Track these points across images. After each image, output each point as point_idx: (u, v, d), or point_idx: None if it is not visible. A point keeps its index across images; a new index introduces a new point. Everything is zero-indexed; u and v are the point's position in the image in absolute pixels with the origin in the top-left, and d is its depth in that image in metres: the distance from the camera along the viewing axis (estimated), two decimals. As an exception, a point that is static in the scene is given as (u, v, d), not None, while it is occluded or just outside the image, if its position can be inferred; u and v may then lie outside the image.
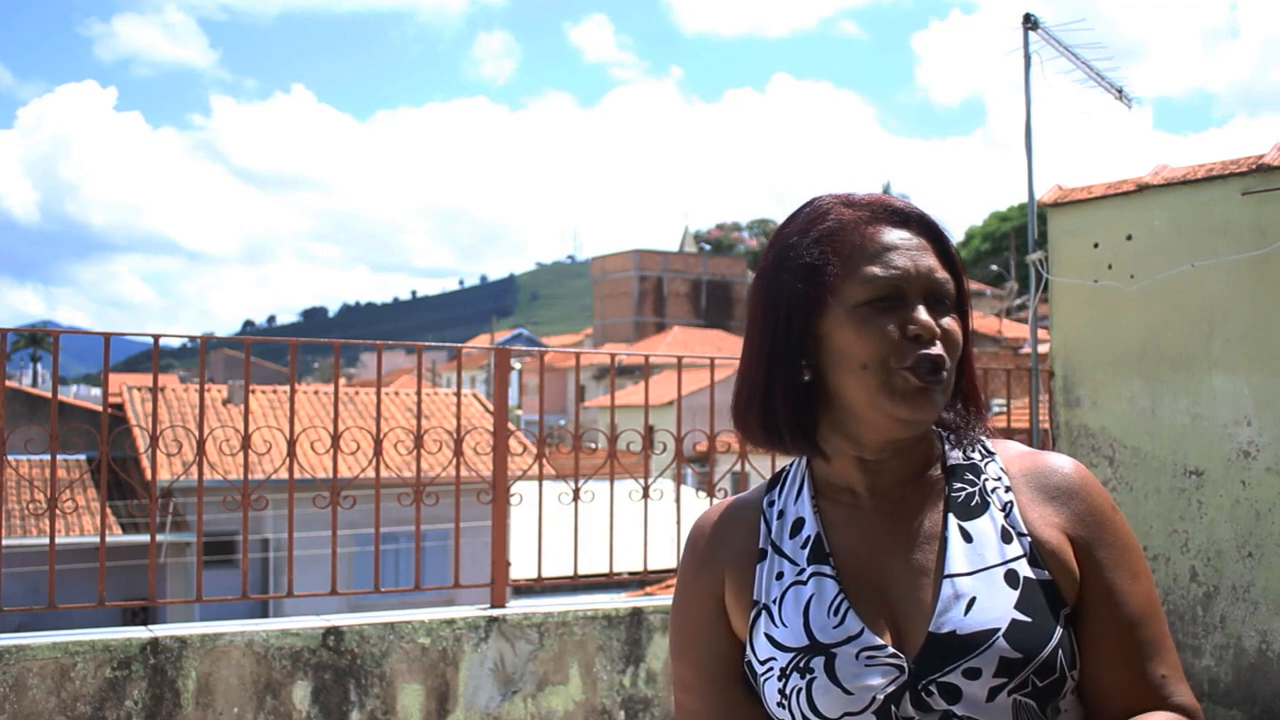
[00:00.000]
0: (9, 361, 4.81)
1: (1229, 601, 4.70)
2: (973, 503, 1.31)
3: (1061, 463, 1.35)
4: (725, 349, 45.92)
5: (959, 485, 1.32)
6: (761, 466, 3.94)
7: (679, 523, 4.52)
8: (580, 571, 4.67)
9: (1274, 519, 4.58)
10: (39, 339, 46.31)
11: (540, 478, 4.59)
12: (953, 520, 1.30)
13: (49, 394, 7.13)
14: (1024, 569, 1.26)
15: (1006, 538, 1.28)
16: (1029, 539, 1.28)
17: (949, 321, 1.29)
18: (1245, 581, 4.66)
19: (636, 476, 4.69)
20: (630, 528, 4.55)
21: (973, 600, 1.24)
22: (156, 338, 4.12)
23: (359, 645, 3.99)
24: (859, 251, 1.28)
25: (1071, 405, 5.32)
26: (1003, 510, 1.30)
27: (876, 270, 1.27)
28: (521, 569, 4.88)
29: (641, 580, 6.47)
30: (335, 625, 3.98)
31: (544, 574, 4.78)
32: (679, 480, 4.64)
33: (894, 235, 1.29)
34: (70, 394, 40.69)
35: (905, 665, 1.23)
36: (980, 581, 1.25)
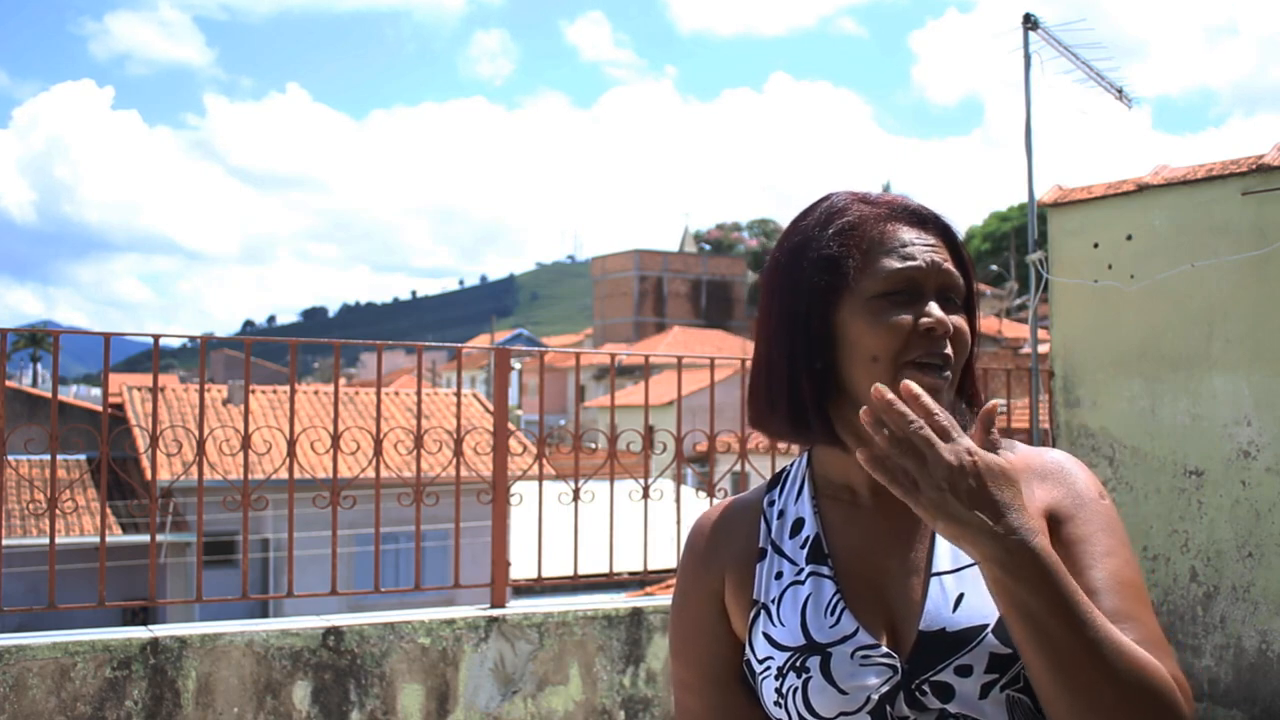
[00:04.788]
0: (9, 361, 4.81)
1: (1229, 601, 4.70)
2: None
3: (1055, 453, 1.36)
4: (725, 349, 45.90)
5: None
6: (761, 466, 3.94)
7: (679, 523, 4.52)
8: (580, 571, 4.67)
9: (1274, 519, 4.58)
10: (39, 339, 46.31)
11: (540, 478, 4.59)
12: None
13: (49, 394, 7.13)
14: None
15: None
16: None
17: (958, 320, 1.30)
18: (1245, 581, 4.66)
19: (636, 476, 4.69)
20: (630, 528, 4.55)
21: (960, 597, 1.24)
22: (156, 338, 4.12)
23: (359, 645, 3.99)
24: (877, 246, 1.29)
25: (1071, 405, 5.32)
26: None
27: (894, 264, 1.28)
28: (521, 569, 4.88)
29: (641, 580, 6.46)
30: (335, 625, 3.98)
31: (544, 574, 4.78)
32: (679, 480, 4.64)
33: (911, 233, 1.31)
34: (70, 394, 40.69)
35: (898, 664, 1.23)
36: (968, 578, 1.25)
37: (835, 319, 1.29)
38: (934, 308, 1.27)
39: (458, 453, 4.49)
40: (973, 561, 1.26)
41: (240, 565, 4.32)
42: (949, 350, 1.27)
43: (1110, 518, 1.30)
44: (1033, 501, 1.30)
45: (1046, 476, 1.32)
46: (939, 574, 1.26)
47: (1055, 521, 1.29)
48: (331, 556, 4.15)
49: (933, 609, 1.24)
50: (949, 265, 1.31)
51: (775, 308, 1.34)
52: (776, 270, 1.35)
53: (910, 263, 1.28)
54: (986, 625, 1.22)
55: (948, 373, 1.27)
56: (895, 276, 1.27)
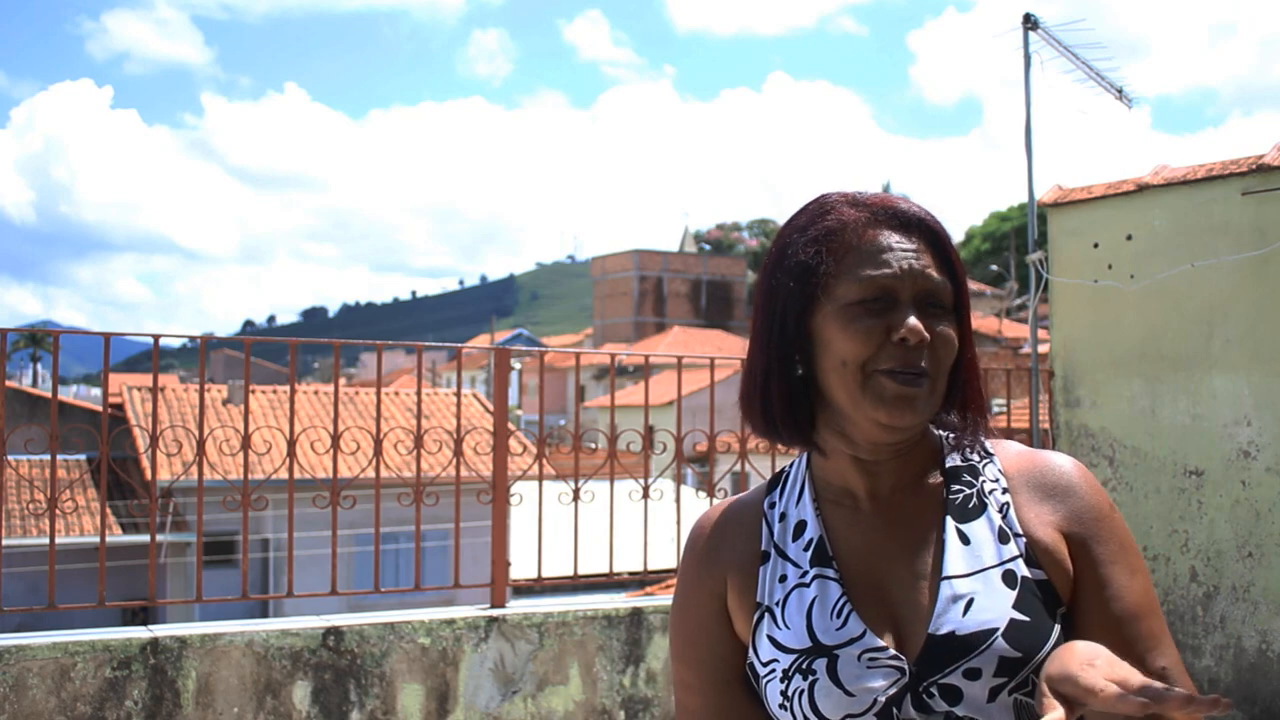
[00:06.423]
0: (9, 361, 4.81)
1: (1229, 601, 4.70)
2: (970, 505, 1.31)
3: (1060, 461, 1.35)
4: (725, 349, 45.88)
5: (957, 488, 1.33)
6: (761, 466, 3.93)
7: (679, 523, 4.52)
8: (580, 571, 4.67)
9: (1274, 519, 4.58)
10: (39, 339, 46.32)
11: (540, 478, 4.59)
12: (950, 523, 1.30)
13: (49, 394, 7.13)
14: (1021, 569, 1.26)
15: (1004, 538, 1.28)
16: (1025, 539, 1.29)
17: (943, 327, 1.28)
18: (1245, 581, 4.66)
19: (636, 476, 4.69)
20: (630, 528, 4.55)
21: (971, 601, 1.24)
22: (156, 338, 4.12)
23: (359, 645, 3.99)
24: (854, 251, 1.28)
25: (1071, 405, 5.32)
26: (1000, 511, 1.31)
27: (869, 271, 1.27)
28: (521, 569, 4.88)
29: (641, 580, 6.47)
30: (335, 625, 3.98)
31: (544, 574, 4.78)
32: (679, 480, 4.64)
33: (892, 238, 1.29)
34: (70, 394, 40.69)
35: (906, 667, 1.23)
36: (978, 582, 1.25)
37: (810, 324, 1.29)
38: (910, 318, 1.25)
39: (458, 453, 4.49)
40: (987, 566, 1.26)
41: (240, 565, 4.32)
42: (925, 362, 1.26)
43: (1124, 532, 1.32)
44: (1041, 520, 1.30)
45: (1053, 491, 1.32)
46: (949, 578, 1.26)
47: (1072, 540, 1.29)
48: (331, 556, 4.15)
49: (943, 612, 1.24)
50: (931, 271, 1.28)
51: (760, 309, 1.35)
52: (763, 272, 1.36)
53: (885, 270, 1.27)
54: (997, 629, 1.22)
55: (924, 381, 1.26)
56: (869, 284, 1.26)
